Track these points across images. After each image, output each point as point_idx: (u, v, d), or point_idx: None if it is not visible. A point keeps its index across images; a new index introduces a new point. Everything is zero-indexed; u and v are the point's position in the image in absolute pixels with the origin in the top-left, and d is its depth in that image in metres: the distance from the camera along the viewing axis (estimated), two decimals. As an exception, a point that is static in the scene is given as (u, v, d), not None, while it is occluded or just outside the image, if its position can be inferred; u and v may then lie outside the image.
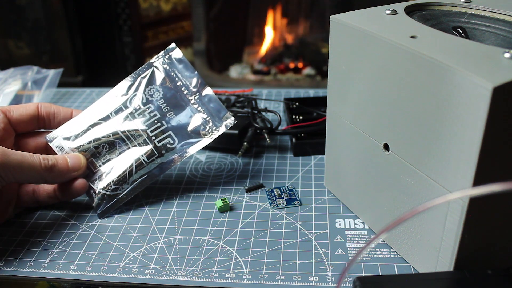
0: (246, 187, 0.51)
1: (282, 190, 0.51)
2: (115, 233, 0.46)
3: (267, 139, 0.56)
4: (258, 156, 0.57)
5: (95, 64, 1.82)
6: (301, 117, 0.62)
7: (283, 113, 0.65)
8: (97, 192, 0.48)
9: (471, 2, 0.43)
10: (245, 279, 0.40)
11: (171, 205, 0.49)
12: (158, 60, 0.51)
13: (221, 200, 0.48)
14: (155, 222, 0.47)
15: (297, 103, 0.65)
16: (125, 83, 0.50)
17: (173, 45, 0.52)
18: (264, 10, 1.86)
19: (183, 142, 0.49)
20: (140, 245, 0.44)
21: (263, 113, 0.62)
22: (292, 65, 1.85)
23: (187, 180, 0.53)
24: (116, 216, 0.48)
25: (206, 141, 0.50)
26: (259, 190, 0.51)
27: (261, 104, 0.68)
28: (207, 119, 0.50)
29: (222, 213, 0.48)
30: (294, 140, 0.57)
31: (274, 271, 0.41)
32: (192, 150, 0.49)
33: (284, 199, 0.49)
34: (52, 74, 0.75)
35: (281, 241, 0.44)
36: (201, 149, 0.49)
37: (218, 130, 0.50)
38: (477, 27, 0.41)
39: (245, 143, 0.56)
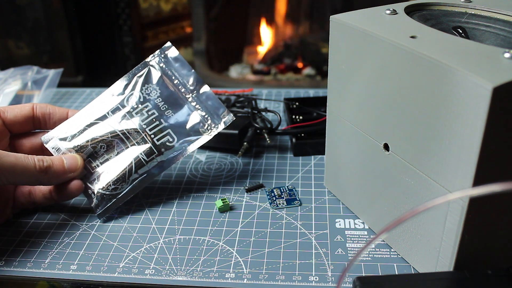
0: (246, 187, 0.51)
1: (282, 190, 0.51)
2: (115, 233, 0.46)
3: (267, 139, 0.56)
4: (258, 156, 0.57)
5: (95, 64, 1.82)
6: (301, 117, 0.62)
7: (283, 113, 0.65)
8: (95, 192, 0.47)
9: (471, 2, 0.43)
10: (245, 279, 0.40)
11: (171, 205, 0.49)
12: (154, 59, 0.51)
13: (221, 200, 0.48)
14: (155, 222, 0.47)
15: (297, 103, 0.65)
16: (121, 82, 0.50)
17: (168, 43, 0.51)
18: (264, 10, 1.86)
19: (182, 140, 0.49)
20: (140, 245, 0.44)
21: (263, 113, 0.62)
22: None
23: (187, 180, 0.53)
24: (116, 216, 0.48)
25: (205, 138, 0.50)
26: (259, 190, 0.51)
27: (261, 104, 0.68)
28: (206, 116, 0.50)
29: (222, 213, 0.48)
30: (294, 140, 0.57)
31: (274, 271, 0.40)
32: (192, 147, 0.49)
33: (284, 199, 0.49)
34: (52, 74, 0.75)
35: (281, 241, 0.44)
36: (201, 148, 0.49)
37: (217, 128, 0.50)
38: (477, 27, 0.41)
39: (245, 143, 0.56)
